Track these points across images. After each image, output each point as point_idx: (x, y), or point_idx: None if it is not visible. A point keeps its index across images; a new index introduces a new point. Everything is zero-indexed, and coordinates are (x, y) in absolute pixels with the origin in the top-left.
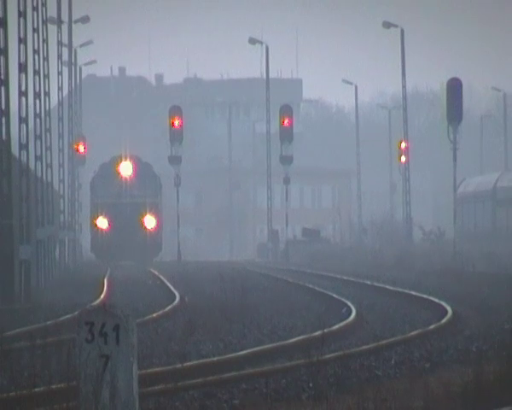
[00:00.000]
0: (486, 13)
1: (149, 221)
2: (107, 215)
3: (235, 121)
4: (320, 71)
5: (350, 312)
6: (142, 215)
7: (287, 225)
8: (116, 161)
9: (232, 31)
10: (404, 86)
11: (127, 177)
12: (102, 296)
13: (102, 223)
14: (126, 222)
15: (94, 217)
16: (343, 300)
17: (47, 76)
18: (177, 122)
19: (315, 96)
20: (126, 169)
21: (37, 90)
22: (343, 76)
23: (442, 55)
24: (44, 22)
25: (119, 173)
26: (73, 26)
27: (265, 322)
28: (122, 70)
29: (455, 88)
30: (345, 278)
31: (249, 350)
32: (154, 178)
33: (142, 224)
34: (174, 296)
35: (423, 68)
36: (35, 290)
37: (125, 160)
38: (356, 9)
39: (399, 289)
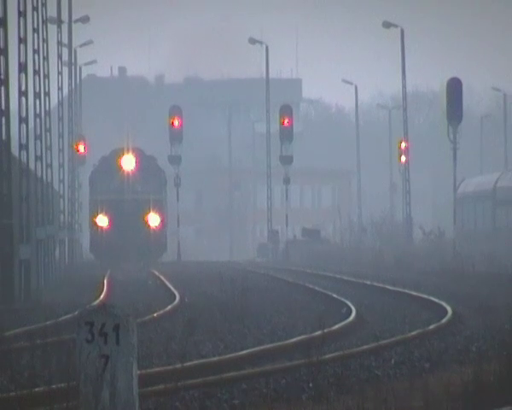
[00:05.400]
0: (487, 13)
1: (153, 219)
2: (107, 213)
3: (235, 121)
4: (320, 71)
5: (350, 312)
6: (146, 213)
7: (287, 225)
8: (117, 154)
9: (232, 31)
10: (404, 86)
11: (129, 171)
12: (102, 296)
13: (102, 221)
14: (128, 220)
15: (93, 215)
16: (343, 300)
17: (47, 76)
18: (177, 122)
19: (315, 95)
20: (128, 163)
21: (37, 90)
22: (343, 76)
23: (442, 55)
24: (44, 22)
25: (120, 167)
26: (73, 26)
27: (265, 322)
28: (122, 70)
29: (455, 88)
30: (345, 277)
31: (249, 350)
32: (158, 172)
33: (145, 222)
34: (174, 296)
35: (423, 68)
36: (35, 290)
37: (127, 153)
38: (356, 9)
39: (399, 289)
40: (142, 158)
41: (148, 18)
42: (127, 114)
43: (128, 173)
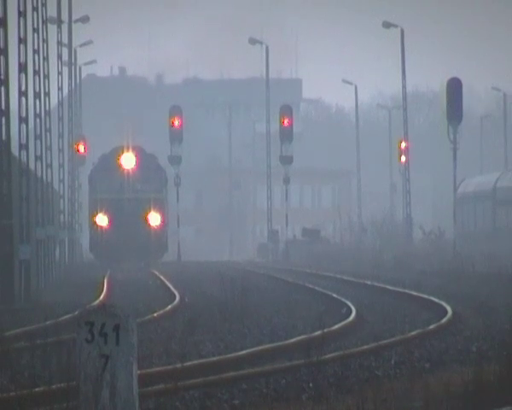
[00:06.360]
0: (487, 13)
1: (154, 218)
2: (107, 212)
3: (235, 121)
4: (320, 71)
5: (350, 312)
6: (146, 212)
7: (287, 225)
8: (117, 152)
9: (232, 31)
10: (404, 86)
11: (129, 169)
12: (102, 296)
13: (102, 220)
14: (128, 219)
15: (93, 214)
16: (343, 300)
17: (47, 76)
18: (177, 122)
19: (315, 96)
20: (129, 161)
21: (37, 90)
22: (343, 76)
23: (442, 55)
24: (44, 22)
25: (120, 166)
26: (73, 26)
27: (265, 322)
28: (122, 70)
29: (455, 88)
30: (345, 277)
31: (249, 350)
32: (158, 171)
33: (145, 221)
34: (174, 296)
35: (423, 68)
36: (35, 290)
37: (128, 151)
38: (356, 9)
39: (399, 289)
40: (142, 156)
41: (148, 18)
42: (127, 113)
43: (128, 172)
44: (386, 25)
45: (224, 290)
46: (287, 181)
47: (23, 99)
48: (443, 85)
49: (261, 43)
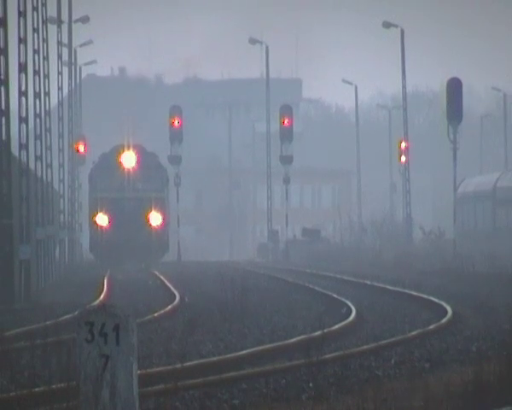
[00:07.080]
0: (487, 13)
1: (155, 218)
2: (107, 211)
3: (235, 121)
4: (320, 71)
5: (350, 312)
6: (147, 211)
7: (287, 225)
8: (118, 150)
9: (232, 31)
10: (404, 86)
11: (130, 168)
12: (102, 296)
13: (102, 220)
14: (129, 219)
15: (93, 213)
16: (343, 300)
17: (47, 76)
18: (177, 122)
19: (315, 95)
20: (129, 160)
21: (37, 90)
22: (343, 76)
23: (442, 55)
24: (44, 22)
25: (121, 165)
26: (73, 26)
27: (265, 322)
28: (122, 70)
29: (455, 88)
30: (345, 277)
31: (249, 350)
32: (159, 170)
33: (146, 221)
34: (174, 296)
35: (423, 68)
36: (35, 290)
37: (128, 149)
38: (356, 9)
39: (399, 289)
40: (143, 155)
41: (148, 18)
42: (127, 113)
43: (129, 171)
44: (386, 25)
45: (224, 290)
46: (287, 181)
47: (23, 99)
48: (443, 85)
49: (261, 43)
